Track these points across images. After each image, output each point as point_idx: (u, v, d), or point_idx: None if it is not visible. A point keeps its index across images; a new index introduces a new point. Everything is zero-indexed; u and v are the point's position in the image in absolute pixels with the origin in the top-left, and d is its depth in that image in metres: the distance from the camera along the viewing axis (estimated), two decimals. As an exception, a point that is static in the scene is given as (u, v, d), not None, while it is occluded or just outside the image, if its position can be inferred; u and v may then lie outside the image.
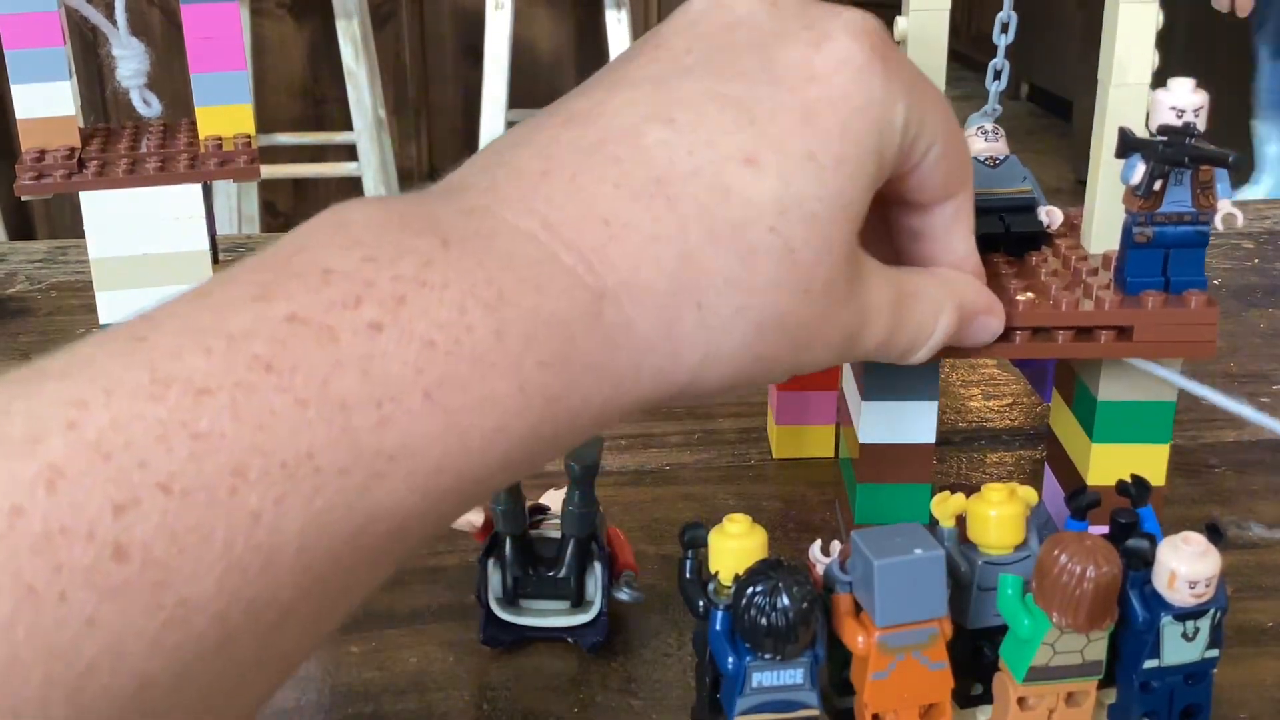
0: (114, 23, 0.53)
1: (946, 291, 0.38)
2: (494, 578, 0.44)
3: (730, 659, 0.35)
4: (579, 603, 0.44)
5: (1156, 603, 0.36)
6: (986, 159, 0.47)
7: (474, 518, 0.44)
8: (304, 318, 0.25)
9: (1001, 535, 0.37)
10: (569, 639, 0.44)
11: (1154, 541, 0.36)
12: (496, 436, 0.27)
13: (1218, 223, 0.41)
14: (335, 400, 0.24)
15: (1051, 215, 0.47)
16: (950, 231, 0.38)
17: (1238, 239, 0.79)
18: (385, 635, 0.45)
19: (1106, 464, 0.45)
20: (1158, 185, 0.40)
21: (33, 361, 0.24)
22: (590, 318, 0.28)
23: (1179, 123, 0.40)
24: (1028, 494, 0.37)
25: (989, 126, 0.48)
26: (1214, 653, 0.37)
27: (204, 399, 0.23)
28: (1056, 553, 0.34)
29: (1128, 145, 0.40)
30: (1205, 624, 0.36)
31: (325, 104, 2.35)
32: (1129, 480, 0.40)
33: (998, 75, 0.49)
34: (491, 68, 1.91)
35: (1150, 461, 0.45)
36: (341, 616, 0.27)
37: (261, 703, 0.26)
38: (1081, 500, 0.39)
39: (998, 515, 0.37)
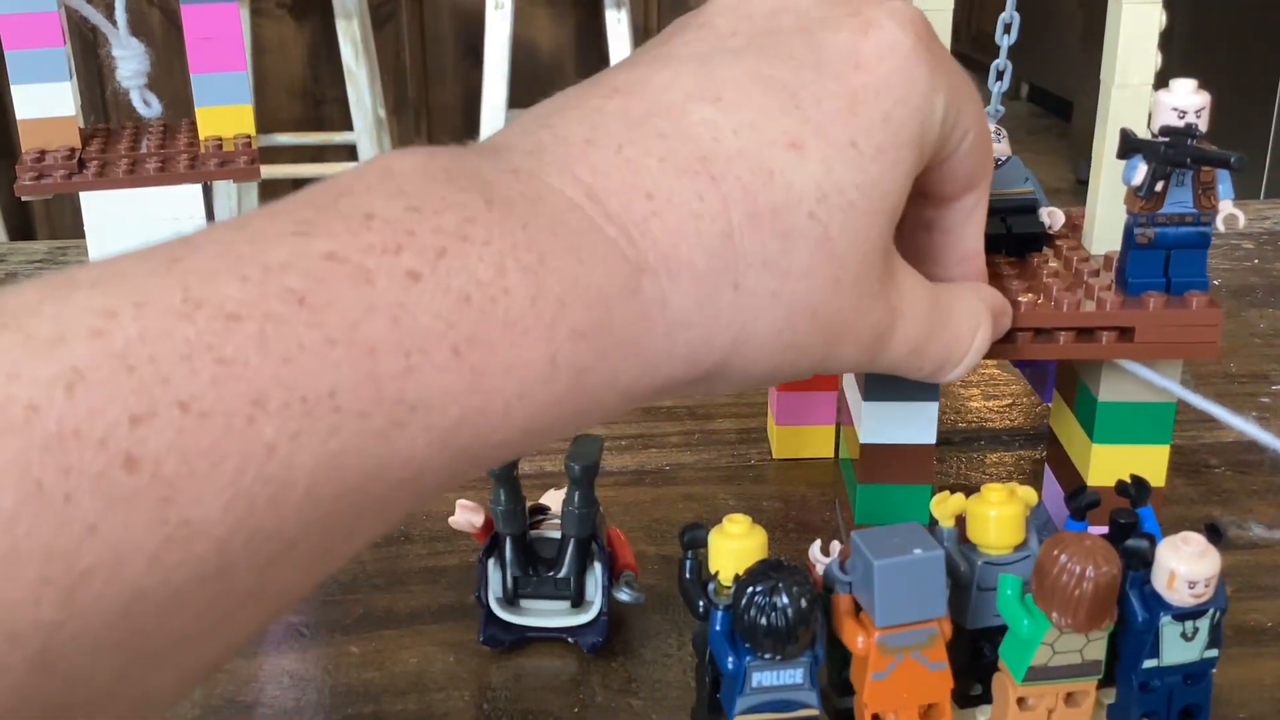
0: (114, 23, 0.53)
1: (983, 306, 0.38)
2: (494, 578, 0.44)
3: (730, 659, 0.35)
4: (579, 603, 0.44)
5: (1156, 603, 0.36)
6: None
7: (474, 518, 0.44)
8: (342, 257, 0.25)
9: (1001, 535, 0.37)
10: (569, 639, 0.44)
11: (1153, 541, 0.36)
12: (519, 402, 0.26)
13: (1219, 224, 0.41)
14: (364, 343, 0.24)
15: (1053, 216, 0.46)
16: (964, 225, 0.38)
17: (1238, 239, 0.79)
18: (385, 635, 0.45)
19: (1107, 465, 0.45)
20: (1159, 186, 0.40)
21: (65, 269, 0.24)
22: (628, 292, 0.28)
23: (1181, 124, 0.40)
24: (1027, 494, 0.38)
25: (991, 127, 0.47)
26: (1213, 653, 0.37)
27: (233, 325, 0.23)
28: (1056, 553, 0.34)
29: (1129, 146, 0.40)
30: (1204, 624, 0.36)
31: (325, 104, 2.35)
32: (1128, 480, 0.40)
33: (1000, 76, 0.49)
34: (491, 68, 1.91)
35: (1150, 462, 0.45)
36: (342, 560, 0.26)
37: (251, 636, 0.26)
38: (1081, 500, 0.39)
39: (997, 515, 0.37)
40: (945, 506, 0.37)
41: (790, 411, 0.55)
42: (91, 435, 0.21)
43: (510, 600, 0.44)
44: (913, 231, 0.39)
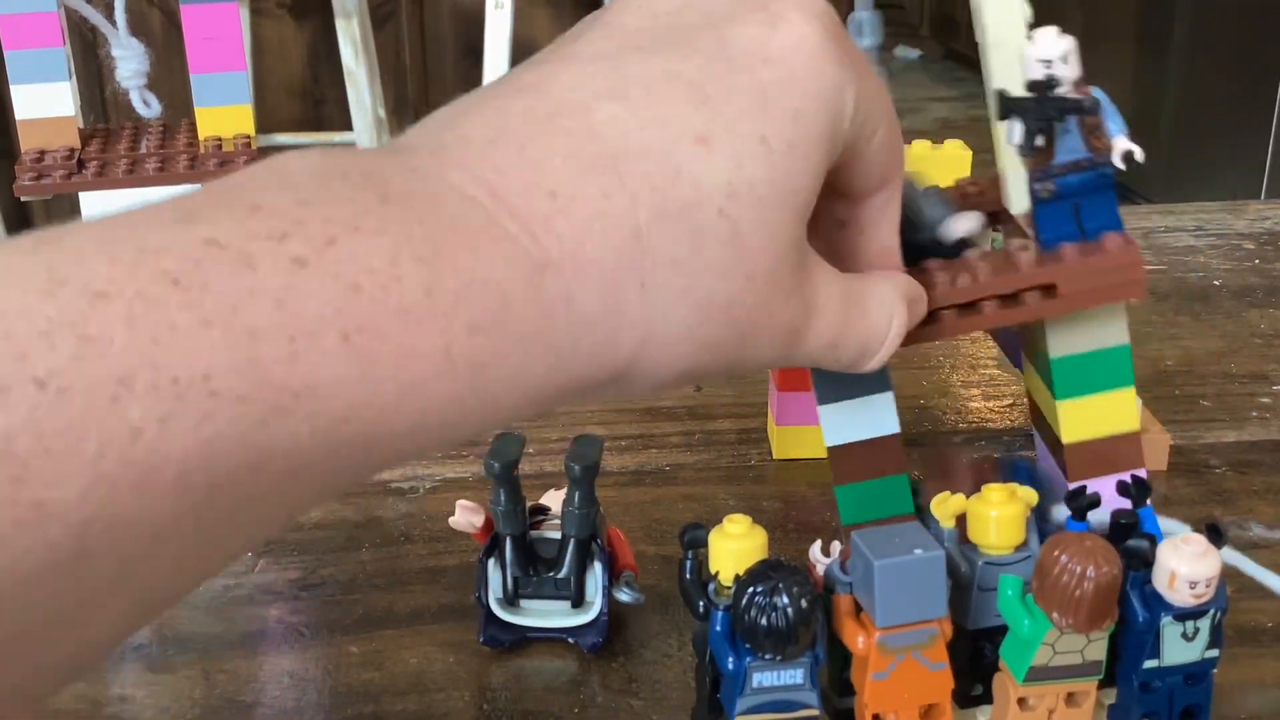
0: (114, 23, 0.53)
1: (896, 294, 0.37)
2: (494, 578, 0.44)
3: (731, 659, 0.35)
4: (579, 603, 0.44)
5: (1156, 603, 0.36)
6: None
7: (474, 518, 0.44)
8: (223, 243, 0.24)
9: (1002, 536, 0.37)
10: (569, 639, 0.44)
11: (1154, 542, 0.36)
12: (412, 394, 0.26)
13: (1117, 161, 0.41)
14: (243, 327, 0.23)
15: (958, 223, 0.45)
16: (878, 221, 0.38)
17: (1238, 239, 0.79)
18: (385, 635, 0.45)
19: (1076, 418, 0.44)
20: (1040, 141, 0.40)
21: None
22: (529, 288, 0.28)
23: (1044, 75, 0.39)
24: (1028, 494, 0.38)
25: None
26: (1214, 653, 0.37)
27: (99, 303, 0.22)
28: (1057, 553, 0.34)
29: (1007, 107, 0.40)
30: (1205, 624, 0.36)
31: (325, 104, 2.35)
32: (1129, 481, 0.40)
33: None
34: (491, 68, 1.91)
35: (1118, 409, 0.44)
36: (221, 560, 0.26)
37: (118, 636, 0.25)
38: (1081, 501, 0.39)
39: (998, 516, 0.37)
40: (946, 507, 0.37)
41: (790, 411, 0.55)
42: None
43: (510, 600, 0.44)
44: (827, 229, 0.38)
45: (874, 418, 0.44)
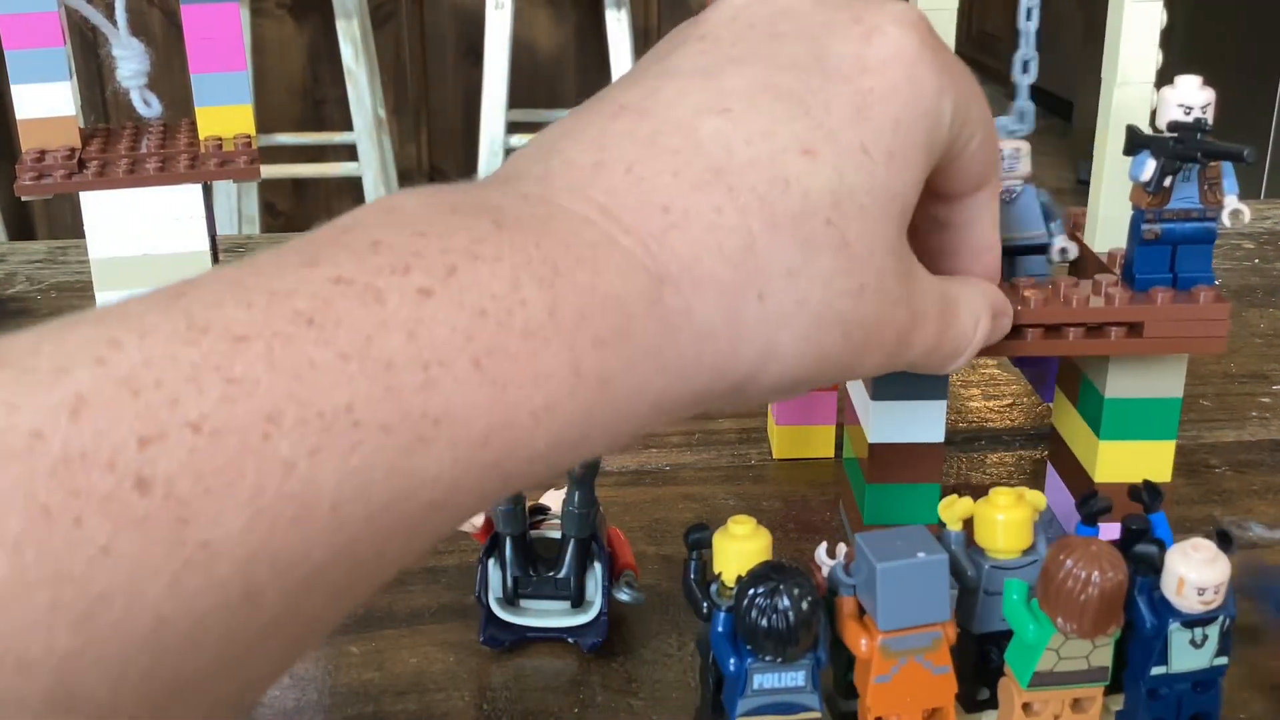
0: (114, 23, 0.52)
1: (984, 301, 0.38)
2: (494, 578, 0.44)
3: (732, 661, 0.35)
4: (579, 603, 0.44)
5: (1164, 609, 0.35)
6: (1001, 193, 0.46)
7: (474, 518, 0.44)
8: (350, 279, 0.24)
9: (1009, 539, 0.37)
10: (569, 639, 0.44)
11: (1163, 547, 0.36)
12: (546, 415, 0.26)
13: (1225, 219, 0.41)
14: (379, 358, 0.24)
15: (1064, 253, 0.46)
16: (977, 221, 0.38)
17: (1238, 239, 0.79)
18: (385, 635, 0.45)
19: (1114, 461, 0.45)
20: (1168, 182, 0.40)
21: (66, 316, 0.24)
22: (649, 301, 0.28)
23: (1188, 119, 0.39)
24: (1035, 498, 0.37)
25: (1013, 145, 0.45)
26: (1223, 660, 0.36)
27: (240, 346, 0.23)
28: (1062, 558, 0.34)
29: (1137, 142, 0.40)
30: (1214, 631, 0.36)
31: (325, 104, 2.35)
32: (1140, 485, 0.39)
33: (1032, 93, 0.47)
34: (491, 68, 1.91)
35: (1156, 458, 0.44)
36: (372, 588, 0.26)
37: (280, 671, 0.25)
38: (1092, 506, 0.39)
39: (1005, 520, 0.37)
40: (953, 510, 0.37)
41: (790, 411, 0.55)
42: (98, 458, 0.21)
43: (510, 600, 0.44)
44: (928, 230, 0.39)
45: (922, 423, 0.45)
